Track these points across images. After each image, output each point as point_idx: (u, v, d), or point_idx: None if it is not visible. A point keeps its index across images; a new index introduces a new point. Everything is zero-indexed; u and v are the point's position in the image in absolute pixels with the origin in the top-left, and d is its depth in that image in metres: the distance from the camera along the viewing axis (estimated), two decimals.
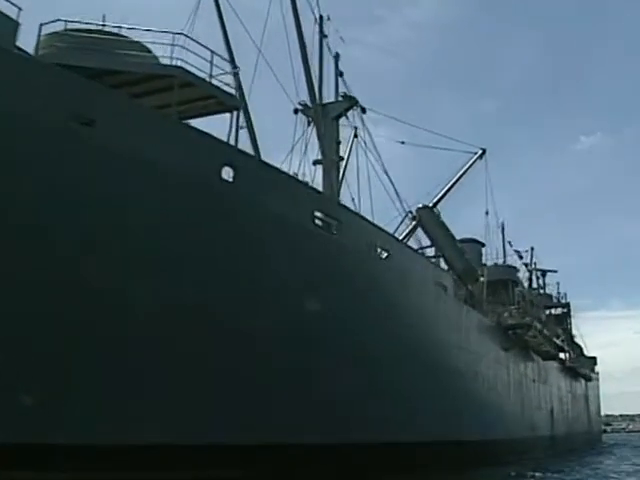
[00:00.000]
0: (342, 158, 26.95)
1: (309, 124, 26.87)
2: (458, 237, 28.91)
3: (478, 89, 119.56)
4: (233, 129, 14.15)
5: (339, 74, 27.84)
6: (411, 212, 26.27)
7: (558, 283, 55.03)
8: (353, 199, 25.89)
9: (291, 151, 25.61)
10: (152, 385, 11.76)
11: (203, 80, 13.48)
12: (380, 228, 18.51)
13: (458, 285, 26.17)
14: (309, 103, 26.76)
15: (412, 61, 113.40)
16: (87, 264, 10.96)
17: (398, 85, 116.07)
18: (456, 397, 21.09)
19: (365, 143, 29.26)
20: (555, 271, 50.25)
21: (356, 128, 31.00)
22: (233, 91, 14.38)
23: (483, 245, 44.01)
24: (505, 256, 47.24)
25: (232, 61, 20.50)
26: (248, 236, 13.54)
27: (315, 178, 26.75)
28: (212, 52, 13.75)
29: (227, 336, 12.75)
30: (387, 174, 29.31)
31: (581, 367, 51.76)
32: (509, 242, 46.93)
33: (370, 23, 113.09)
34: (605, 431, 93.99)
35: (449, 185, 32.73)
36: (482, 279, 34.11)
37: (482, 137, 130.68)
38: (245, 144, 18.46)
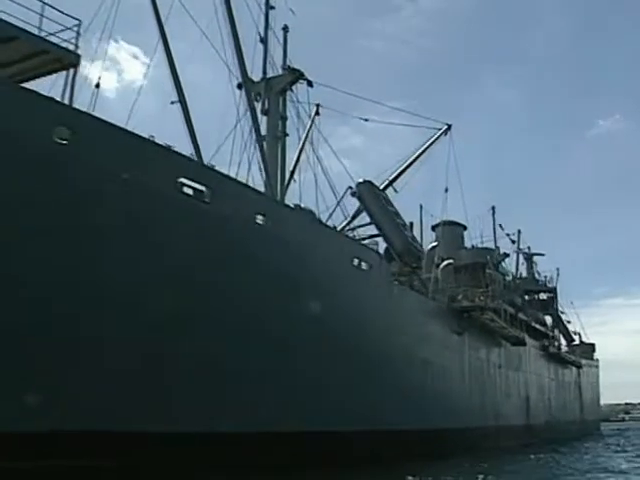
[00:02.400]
0: (286, 134, 25.43)
1: (256, 100, 25.48)
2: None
3: (496, 76, 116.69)
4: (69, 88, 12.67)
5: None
6: (351, 187, 24.58)
7: (558, 269, 53.26)
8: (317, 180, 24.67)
9: (234, 127, 23.96)
10: None
11: (29, 33, 11.99)
12: (270, 197, 16.84)
13: (401, 265, 24.52)
14: (255, 78, 25.51)
15: (427, 50, 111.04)
16: None
17: (415, 74, 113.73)
18: (385, 384, 19.39)
19: (310, 117, 27.78)
20: (542, 254, 48.25)
21: (318, 105, 29.73)
22: (71, 46, 12.82)
23: (465, 228, 42.55)
24: (495, 240, 46.19)
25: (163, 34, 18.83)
26: (86, 209, 12.10)
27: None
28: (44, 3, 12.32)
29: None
30: (333, 151, 28.06)
31: (572, 354, 49.73)
32: (500, 225, 45.49)
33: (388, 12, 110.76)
34: (624, 419, 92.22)
35: (408, 162, 31.17)
36: (448, 262, 32.52)
37: (497, 125, 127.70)
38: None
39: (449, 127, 33.36)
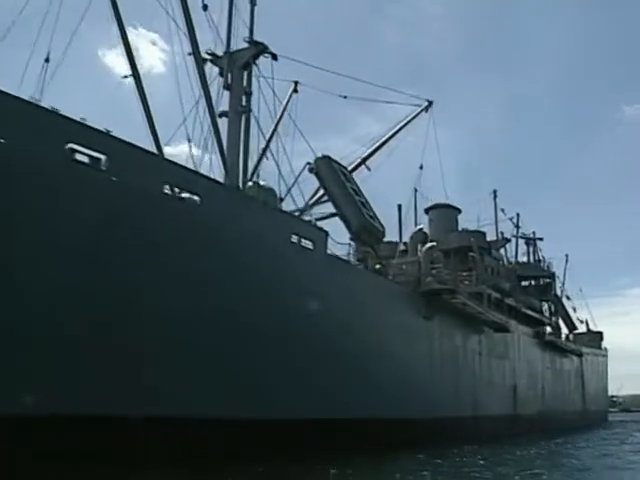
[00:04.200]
0: (250, 109, 24.16)
1: (220, 75, 24.36)
2: None
3: (512, 65, 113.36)
4: None
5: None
6: (309, 163, 23.17)
7: (567, 255, 51.70)
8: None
9: (196, 104, 22.72)
10: None
11: None
12: (190, 169, 15.55)
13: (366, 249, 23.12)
14: (219, 52, 24.40)
15: (443, 38, 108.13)
16: None
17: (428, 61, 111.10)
18: (329, 371, 18.08)
19: (274, 92, 26.40)
20: (540, 239, 46.34)
21: (296, 83, 28.49)
22: None
23: (459, 211, 41.01)
24: (497, 224, 44.77)
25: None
26: None
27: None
28: None
29: None
30: (295, 124, 26.64)
31: (574, 342, 47.89)
32: (502, 210, 44.48)
33: None
34: None
35: (382, 140, 29.76)
36: (430, 244, 30.93)
37: (516, 114, 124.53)
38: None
39: (430, 104, 31.97)
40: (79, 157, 13.07)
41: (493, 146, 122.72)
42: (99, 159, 13.26)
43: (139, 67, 16.92)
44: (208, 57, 23.87)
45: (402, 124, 30.27)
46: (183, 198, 14.81)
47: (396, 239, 34.80)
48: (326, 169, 22.66)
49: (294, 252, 17.43)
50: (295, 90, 28.40)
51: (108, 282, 13.23)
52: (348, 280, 19.51)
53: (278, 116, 26.60)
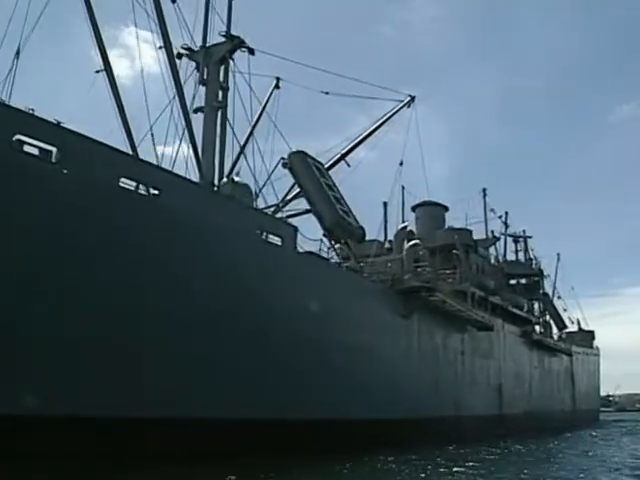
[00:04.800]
0: (226, 105, 23.75)
1: (198, 70, 23.99)
2: None
3: (508, 64, 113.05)
4: None
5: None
6: (283, 158, 22.74)
7: (558, 254, 52.39)
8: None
9: (172, 99, 22.27)
10: None
11: None
12: (149, 163, 15.12)
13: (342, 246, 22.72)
14: (194, 47, 24.03)
15: (443, 36, 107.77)
16: None
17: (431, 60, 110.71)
18: (299, 370, 17.68)
19: (251, 87, 25.96)
20: (529, 237, 46.03)
21: (278, 79, 28.10)
22: None
23: (446, 209, 40.70)
24: (487, 222, 44.77)
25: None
26: None
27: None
28: None
29: None
30: (273, 122, 26.23)
31: (564, 341, 47.52)
32: (492, 209, 44.67)
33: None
34: None
35: (363, 136, 29.32)
36: (413, 242, 30.50)
37: (515, 112, 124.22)
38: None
39: (412, 99, 31.45)
40: (28, 149, 12.74)
41: (487, 144, 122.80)
42: (50, 151, 12.89)
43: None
44: (184, 52, 23.52)
45: (383, 120, 29.86)
46: (141, 192, 14.43)
47: (389, 237, 34.67)
48: (299, 164, 22.22)
49: (260, 248, 17.01)
50: (277, 86, 27.98)
51: (59, 278, 12.85)
52: (319, 277, 19.08)
53: (258, 113, 26.26)
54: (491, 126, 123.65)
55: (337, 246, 21.93)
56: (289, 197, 23.65)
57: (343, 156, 27.96)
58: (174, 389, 14.25)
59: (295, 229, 18.57)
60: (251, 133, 25.56)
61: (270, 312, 17.01)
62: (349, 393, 19.54)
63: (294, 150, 22.97)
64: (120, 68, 48.16)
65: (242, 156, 24.98)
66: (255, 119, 25.85)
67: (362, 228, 22.89)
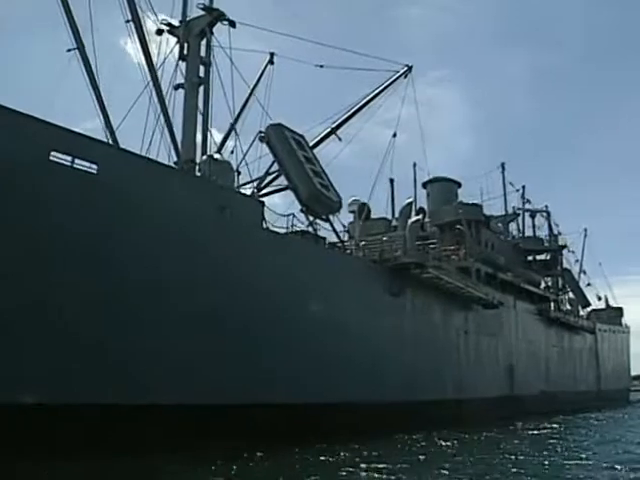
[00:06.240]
0: (205, 80, 22.81)
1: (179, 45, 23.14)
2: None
3: (538, 40, 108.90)
4: None
5: None
6: (261, 132, 21.66)
7: (585, 229, 50.78)
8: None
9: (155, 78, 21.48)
10: None
11: None
12: (84, 135, 14.17)
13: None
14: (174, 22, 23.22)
15: (469, 16, 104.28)
16: None
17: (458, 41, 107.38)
18: (267, 352, 16.76)
19: (232, 61, 24.89)
20: (546, 211, 44.02)
21: (272, 54, 27.04)
22: None
23: (459, 185, 39.34)
24: (506, 198, 43.37)
25: None
26: None
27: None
28: None
29: None
30: (260, 104, 25.15)
31: (586, 318, 45.58)
32: (510, 183, 43.44)
33: None
34: None
35: (355, 108, 28.04)
36: (415, 218, 29.19)
37: (544, 90, 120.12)
38: None
39: (409, 69, 29.98)
40: None
41: (515, 124, 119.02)
42: None
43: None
44: (164, 27, 22.68)
45: (377, 91, 28.51)
46: (77, 167, 13.53)
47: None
48: (276, 137, 21.09)
49: (217, 224, 15.98)
50: (271, 62, 26.89)
51: None
52: (290, 254, 18.01)
53: (250, 89, 25.30)
54: (519, 105, 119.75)
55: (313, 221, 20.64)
56: (271, 173, 22.59)
57: (334, 130, 26.84)
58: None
59: (262, 204, 17.52)
60: (241, 111, 24.61)
61: (235, 293, 16.07)
62: (325, 375, 18.48)
63: (272, 123, 21.92)
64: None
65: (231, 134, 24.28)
66: (247, 96, 24.92)
67: (340, 202, 21.74)
